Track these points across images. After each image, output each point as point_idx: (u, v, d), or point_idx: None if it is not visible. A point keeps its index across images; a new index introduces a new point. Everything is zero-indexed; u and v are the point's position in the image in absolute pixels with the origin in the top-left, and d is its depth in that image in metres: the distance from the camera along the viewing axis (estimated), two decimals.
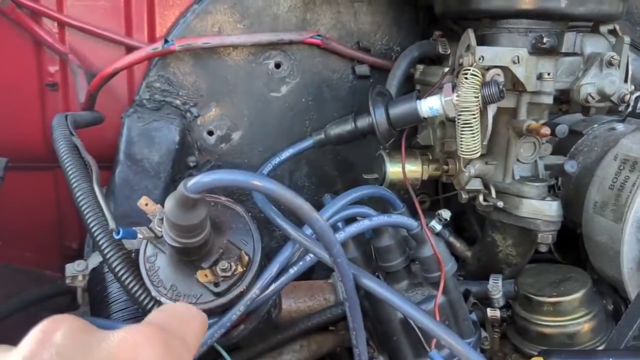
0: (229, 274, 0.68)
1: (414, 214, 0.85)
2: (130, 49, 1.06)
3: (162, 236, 0.66)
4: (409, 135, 0.98)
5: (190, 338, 0.43)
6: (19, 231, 1.17)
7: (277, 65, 1.05)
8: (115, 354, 0.36)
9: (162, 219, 0.65)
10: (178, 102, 1.04)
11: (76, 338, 0.37)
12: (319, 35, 1.03)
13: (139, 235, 0.67)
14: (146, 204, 0.66)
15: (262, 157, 1.05)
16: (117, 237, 0.67)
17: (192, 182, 0.56)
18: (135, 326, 0.40)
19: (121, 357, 0.36)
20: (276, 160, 0.96)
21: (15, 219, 1.15)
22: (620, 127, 0.99)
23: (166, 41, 0.98)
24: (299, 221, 0.75)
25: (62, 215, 1.22)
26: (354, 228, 0.76)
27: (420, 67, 1.04)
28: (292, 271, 0.73)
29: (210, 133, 1.06)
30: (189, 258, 0.67)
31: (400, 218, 0.79)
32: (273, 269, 0.72)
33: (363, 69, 1.08)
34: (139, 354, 0.37)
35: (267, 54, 1.05)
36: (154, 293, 0.68)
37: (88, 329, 0.38)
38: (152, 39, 1.08)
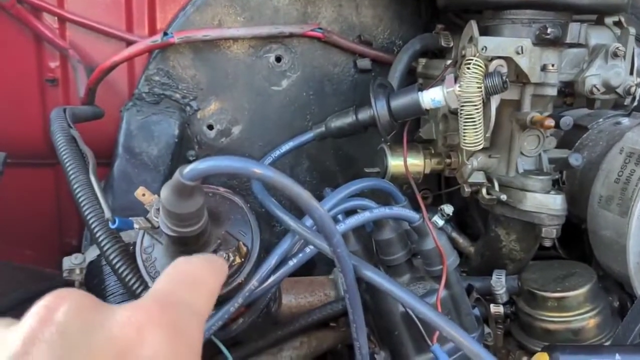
0: (227, 265, 0.66)
1: (415, 209, 0.84)
2: (130, 44, 1.05)
3: (159, 227, 0.64)
4: (411, 129, 0.97)
5: (201, 305, 0.41)
6: (19, 228, 1.17)
7: (278, 59, 1.04)
8: (118, 336, 0.35)
9: (159, 209, 0.64)
10: (177, 95, 1.03)
11: (79, 316, 0.35)
12: (320, 29, 1.02)
13: (136, 226, 0.66)
14: (143, 195, 0.65)
15: (262, 152, 1.04)
16: (113, 227, 0.66)
17: (189, 168, 0.55)
18: (141, 303, 0.38)
19: (125, 337, 0.35)
20: (276, 153, 0.95)
21: (15, 216, 1.14)
22: (625, 121, 0.98)
23: (165, 34, 0.97)
24: (299, 215, 0.74)
25: (62, 212, 1.21)
26: (354, 220, 0.75)
27: (423, 60, 1.03)
28: (292, 263, 0.72)
29: (210, 127, 1.05)
30: (186, 248, 0.66)
31: (402, 210, 0.78)
32: (272, 260, 0.71)
33: (365, 63, 1.07)
34: (144, 336, 0.35)
35: (268, 47, 1.04)
36: (150, 284, 0.67)
37: (93, 306, 0.36)
38: (153, 33, 1.07)
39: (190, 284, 0.42)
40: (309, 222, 0.73)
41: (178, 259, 0.45)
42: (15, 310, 0.94)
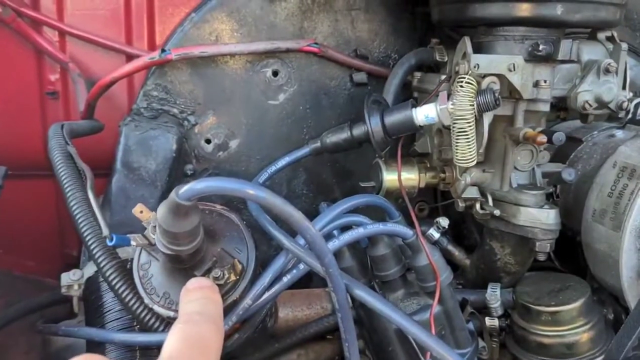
0: (222, 282, 0.67)
1: (411, 223, 0.85)
2: (130, 58, 1.06)
3: (155, 243, 0.66)
4: (405, 143, 0.98)
5: None
6: (20, 239, 1.17)
7: (275, 74, 1.05)
8: None
9: (156, 227, 0.65)
10: (175, 110, 1.04)
11: None
12: (316, 44, 1.03)
13: (133, 243, 0.67)
14: (141, 212, 0.66)
15: (259, 165, 1.05)
16: (110, 244, 0.68)
17: (184, 189, 0.57)
18: None
19: None
20: (272, 168, 0.95)
21: (16, 227, 1.15)
22: (619, 134, 0.98)
23: (163, 50, 0.98)
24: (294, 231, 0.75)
25: (63, 223, 1.22)
26: (348, 236, 0.76)
27: (418, 74, 1.04)
28: (285, 280, 0.73)
29: (208, 141, 1.06)
30: (182, 266, 0.67)
31: (396, 226, 0.79)
32: (266, 278, 0.72)
33: (361, 77, 1.08)
34: None
35: (265, 62, 1.05)
36: (146, 300, 0.68)
37: None
38: (152, 47, 1.08)
39: (202, 350, 0.46)
40: (301, 239, 0.74)
41: (186, 326, 0.49)
42: (19, 321, 0.95)
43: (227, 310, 0.69)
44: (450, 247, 1.04)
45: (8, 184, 0.93)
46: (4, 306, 1.00)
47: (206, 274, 0.68)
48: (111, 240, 0.68)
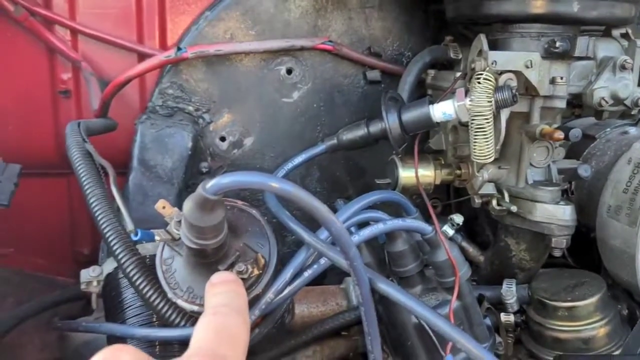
0: (245, 276, 0.67)
1: (426, 219, 0.85)
2: (141, 56, 1.07)
3: (179, 238, 0.66)
4: (421, 140, 0.98)
5: None
6: (31, 237, 1.18)
7: (289, 71, 1.06)
8: None
9: (179, 222, 0.65)
10: (191, 108, 1.04)
11: None
12: (330, 41, 1.04)
13: (157, 237, 0.67)
14: (163, 207, 0.66)
15: (274, 163, 1.06)
16: (135, 239, 0.68)
17: (212, 183, 0.57)
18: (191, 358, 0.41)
19: None
20: (289, 165, 0.96)
21: (28, 226, 1.15)
22: (633, 130, 0.99)
23: (179, 49, 0.99)
24: (310, 225, 0.75)
25: (74, 222, 1.22)
26: (367, 232, 0.76)
27: (432, 72, 1.04)
28: (307, 274, 0.73)
29: (223, 139, 1.06)
30: (205, 260, 0.67)
31: (415, 222, 0.79)
32: (287, 273, 0.72)
33: (374, 75, 1.08)
34: None
35: (279, 60, 1.05)
36: (170, 295, 0.68)
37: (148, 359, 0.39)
38: (163, 45, 1.08)
39: (231, 341, 0.46)
40: (322, 234, 0.74)
41: (214, 319, 0.49)
42: (31, 319, 0.95)
43: (250, 305, 0.69)
44: (464, 244, 1.05)
45: (20, 183, 0.93)
46: (15, 304, 1.00)
47: (230, 268, 0.67)
48: (136, 235, 0.68)
